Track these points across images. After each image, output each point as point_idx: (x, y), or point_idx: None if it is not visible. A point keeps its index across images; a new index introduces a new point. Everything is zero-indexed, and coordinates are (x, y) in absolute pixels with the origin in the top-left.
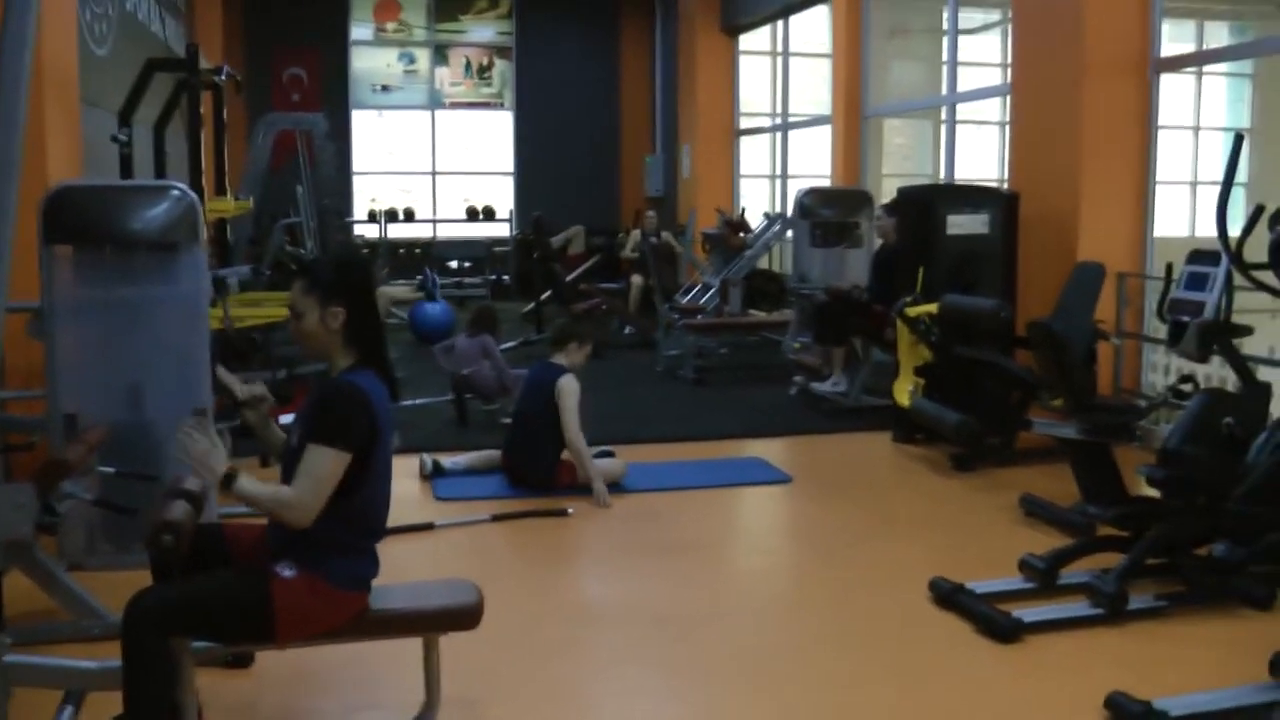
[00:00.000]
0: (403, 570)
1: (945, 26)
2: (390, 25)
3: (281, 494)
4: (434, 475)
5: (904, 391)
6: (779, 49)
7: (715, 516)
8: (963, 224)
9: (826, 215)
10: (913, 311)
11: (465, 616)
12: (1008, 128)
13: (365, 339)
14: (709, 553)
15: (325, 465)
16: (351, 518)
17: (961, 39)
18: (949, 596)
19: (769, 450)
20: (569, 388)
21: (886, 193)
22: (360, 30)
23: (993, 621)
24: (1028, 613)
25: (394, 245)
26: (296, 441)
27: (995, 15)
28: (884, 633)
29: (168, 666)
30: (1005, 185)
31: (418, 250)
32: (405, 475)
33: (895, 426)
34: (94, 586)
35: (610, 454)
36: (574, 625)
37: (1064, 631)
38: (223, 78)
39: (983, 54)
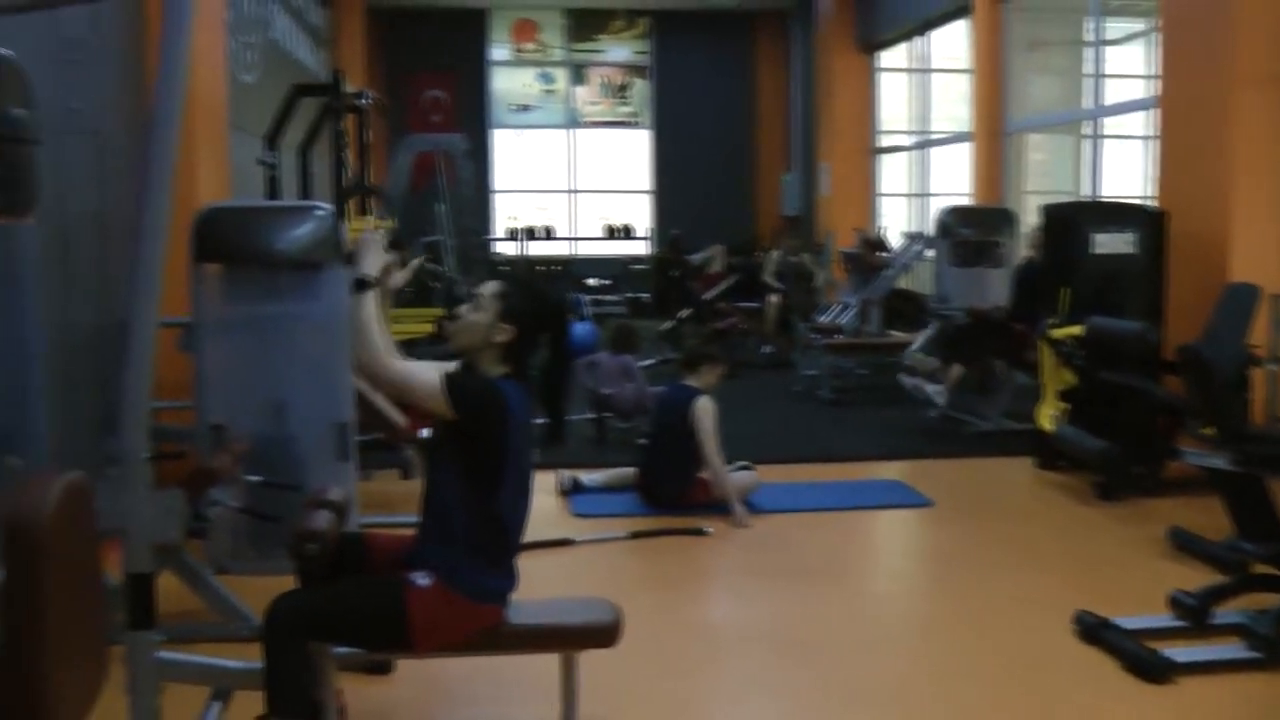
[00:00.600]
0: (540, 585)
1: (1088, 38)
2: (528, 46)
3: (376, 336)
4: (572, 492)
5: (1047, 416)
6: (917, 65)
7: (852, 540)
8: (1108, 243)
9: (967, 234)
10: (1057, 334)
11: (603, 634)
12: (1153, 142)
13: (517, 364)
14: (845, 577)
15: (428, 378)
16: (487, 524)
17: (1104, 50)
18: (1094, 631)
19: (908, 473)
20: (706, 410)
21: (1028, 210)
22: (499, 51)
23: (1141, 660)
24: (1178, 652)
25: (532, 263)
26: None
27: (1139, 25)
28: (1025, 667)
29: (306, 669)
30: (1152, 202)
31: (556, 268)
32: (543, 491)
33: (1037, 452)
34: (239, 590)
35: (749, 467)
36: (707, 646)
37: (1217, 674)
38: (365, 101)
39: (1126, 66)
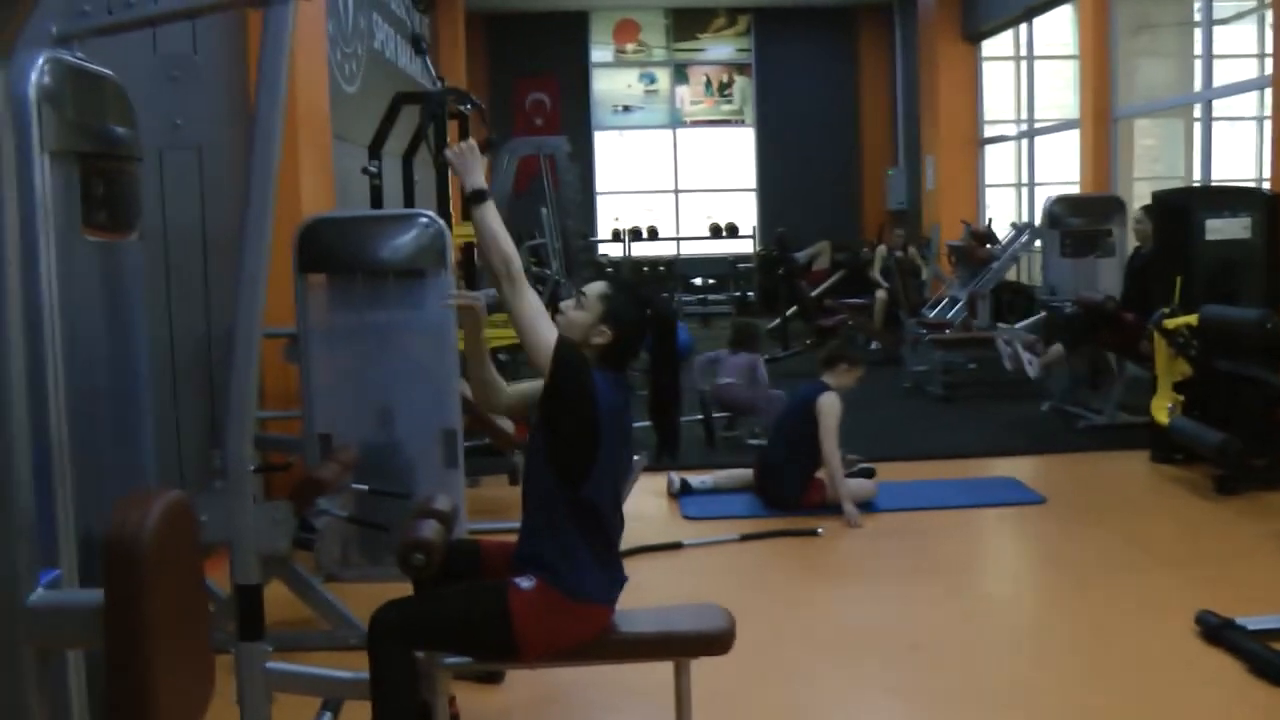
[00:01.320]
0: (651, 589)
1: (1196, 18)
2: (630, 46)
3: (509, 248)
4: (681, 494)
5: (1162, 409)
6: (1022, 53)
7: (966, 538)
8: (1222, 229)
9: (1076, 224)
10: (1171, 324)
11: (716, 642)
12: (1267, 123)
13: (614, 366)
14: (960, 577)
15: (548, 329)
16: (582, 515)
17: (1213, 30)
18: (1217, 632)
19: (1020, 469)
20: (830, 406)
21: (1138, 197)
22: (600, 53)
23: (1267, 662)
24: None
25: (638, 264)
26: (535, 422)
27: (1250, 2)
28: (1147, 669)
29: (411, 678)
30: (1267, 185)
31: (662, 268)
32: (653, 493)
33: (1153, 446)
34: (349, 598)
35: (870, 471)
36: (820, 650)
37: None
38: (468, 108)
39: (1237, 45)
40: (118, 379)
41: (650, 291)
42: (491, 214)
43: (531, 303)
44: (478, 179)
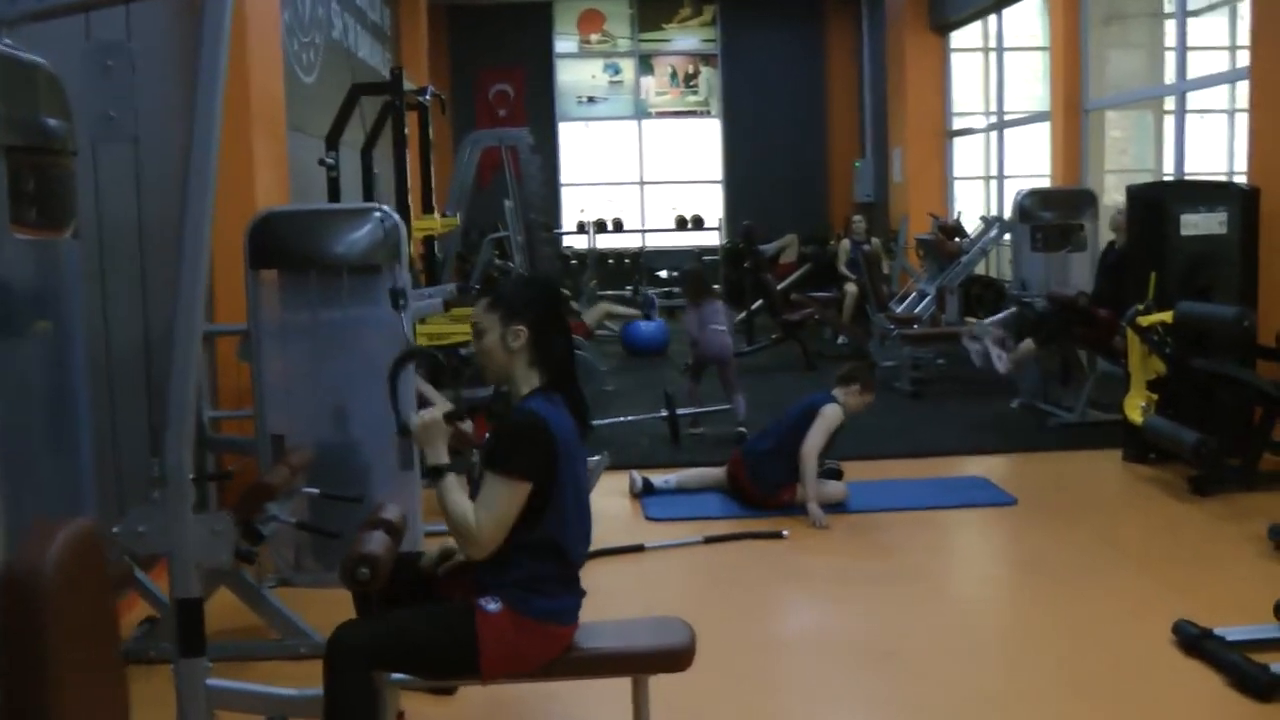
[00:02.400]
0: (611, 594)
1: (1168, 8)
2: (594, 37)
3: (468, 518)
4: (644, 494)
5: (1135, 407)
6: (991, 44)
7: (936, 541)
8: (1198, 224)
9: (1048, 218)
10: (1145, 321)
11: (676, 658)
12: (1239, 117)
13: (551, 361)
14: (930, 581)
15: (502, 496)
16: (542, 551)
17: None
18: (1195, 643)
19: (991, 468)
20: (832, 412)
21: (1109, 190)
22: (564, 44)
23: (1246, 676)
24: None
25: (603, 256)
26: (480, 467)
27: None
28: (1122, 680)
29: (369, 699)
30: (1241, 179)
31: (626, 260)
32: (615, 493)
33: (1126, 445)
34: (302, 603)
35: (838, 471)
36: (788, 657)
37: None
38: (427, 98)
39: (1205, 38)
40: (52, 383)
41: (509, 264)
42: (450, 487)
43: (487, 526)
44: (439, 454)
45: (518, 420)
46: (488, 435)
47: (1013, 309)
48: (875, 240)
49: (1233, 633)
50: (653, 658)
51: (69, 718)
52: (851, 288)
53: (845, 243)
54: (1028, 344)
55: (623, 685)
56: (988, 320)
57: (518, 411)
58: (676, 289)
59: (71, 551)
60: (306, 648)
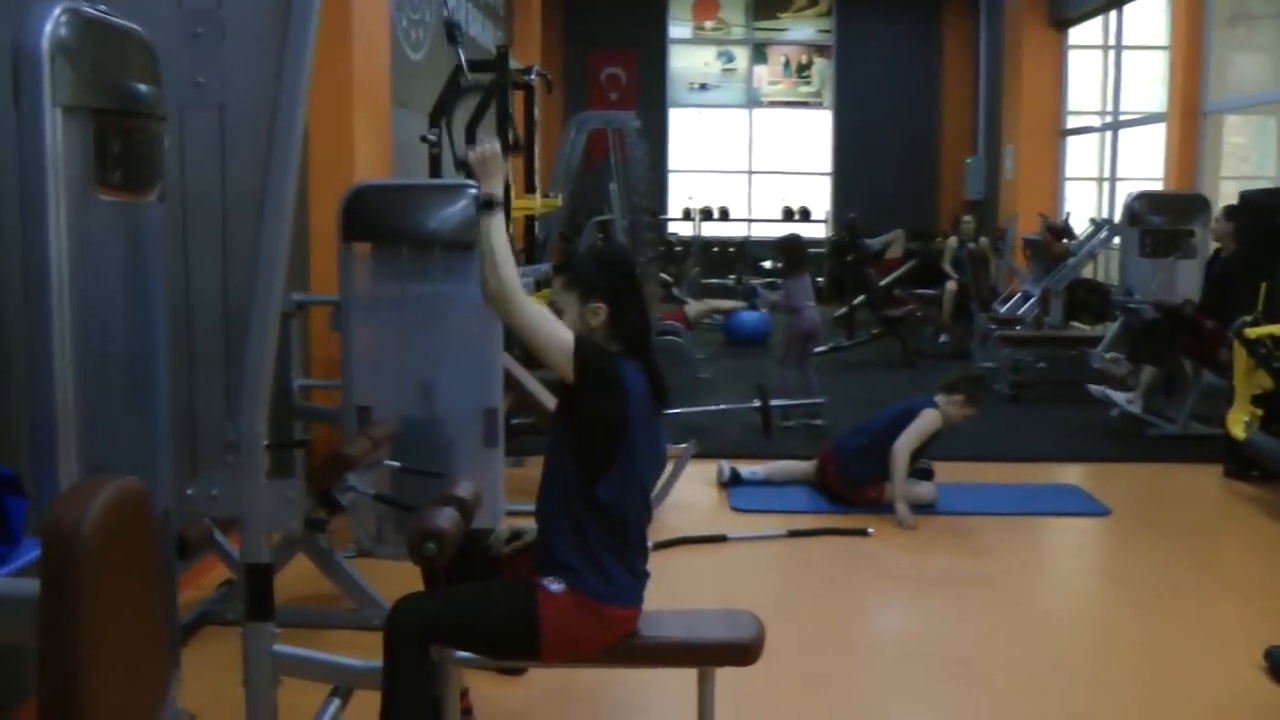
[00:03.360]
0: (690, 583)
1: None
2: (709, 24)
3: (509, 261)
4: (731, 484)
5: (1238, 422)
6: (1110, 42)
7: (1023, 548)
8: None
9: (1157, 222)
10: (1252, 333)
11: (742, 652)
12: None
13: (629, 336)
14: (1013, 589)
15: (558, 329)
16: (602, 514)
17: None
18: None
19: (1085, 477)
20: (930, 417)
21: (1225, 197)
22: (679, 29)
23: None
24: None
25: (707, 243)
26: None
27: None
28: (1207, 706)
29: (426, 675)
30: None
31: (731, 249)
32: (702, 482)
33: (1227, 460)
34: (380, 574)
35: (929, 472)
36: (859, 658)
37: None
38: (532, 77)
39: None
40: (132, 345)
41: (595, 241)
42: (497, 226)
43: (532, 310)
44: (493, 186)
45: (607, 352)
46: None
47: (1121, 321)
48: (983, 240)
49: None
50: (718, 650)
51: (107, 680)
52: (951, 285)
53: (952, 240)
54: (1149, 373)
55: (689, 676)
56: (1100, 346)
57: (609, 353)
58: (780, 280)
59: (114, 510)
60: (380, 619)
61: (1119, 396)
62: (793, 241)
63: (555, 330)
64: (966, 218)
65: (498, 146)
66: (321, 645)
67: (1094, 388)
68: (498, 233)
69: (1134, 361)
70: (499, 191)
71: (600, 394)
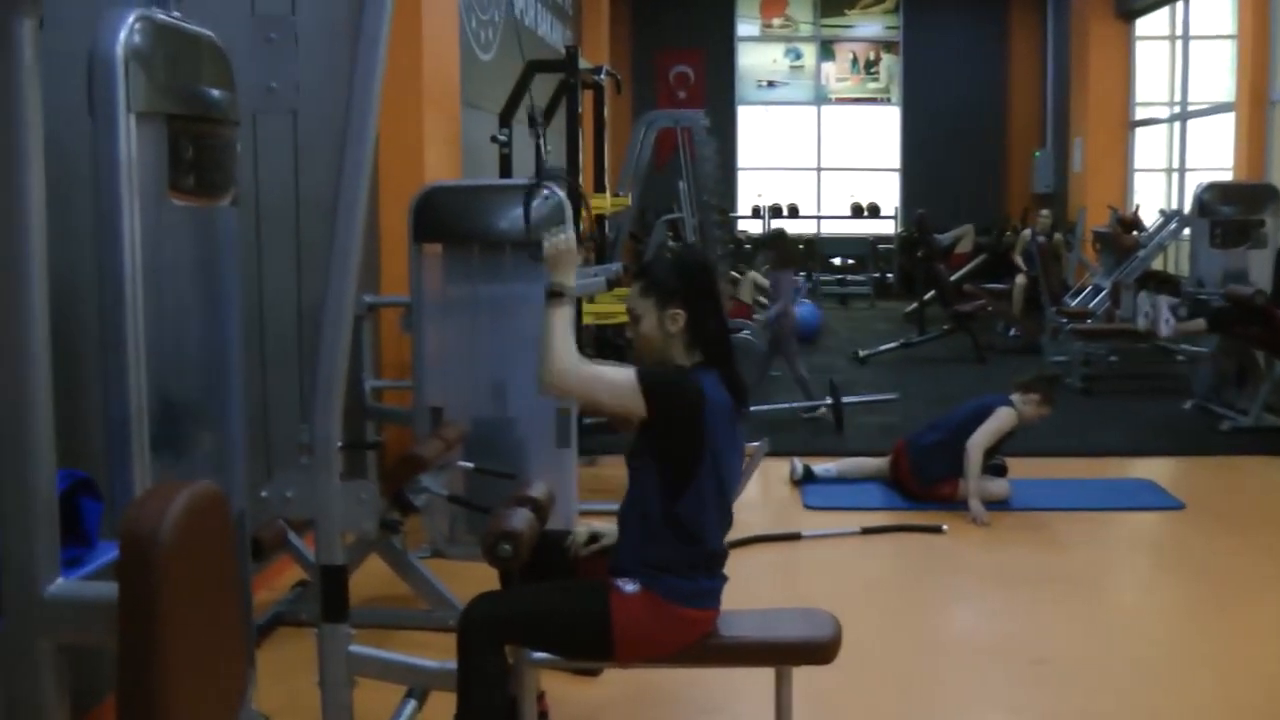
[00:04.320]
0: (763, 583)
1: None
2: (776, 21)
3: (566, 350)
4: (804, 481)
5: None
6: (1178, 32)
7: (1099, 543)
8: None
9: (1227, 213)
10: None
11: (820, 651)
12: None
13: (709, 342)
14: (1090, 585)
15: (617, 379)
16: (684, 530)
17: None
18: None
19: (1159, 471)
20: (1006, 414)
21: None
22: (746, 27)
23: None
24: None
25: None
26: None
27: None
28: None
29: (502, 674)
30: None
31: (801, 246)
32: (776, 480)
33: None
34: (454, 575)
35: (1002, 468)
36: (937, 658)
37: None
38: (602, 77)
39: None
40: (206, 348)
41: (673, 247)
42: (560, 316)
43: (584, 372)
44: (564, 277)
45: (681, 376)
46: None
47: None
48: (1057, 235)
49: None
50: (795, 649)
51: (184, 682)
52: (1021, 279)
53: (1025, 232)
54: (1199, 321)
55: (766, 676)
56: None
57: (683, 372)
58: (850, 276)
59: (192, 513)
60: (454, 620)
61: (1164, 313)
62: (779, 236)
63: (613, 381)
64: (1044, 212)
65: (572, 239)
66: (396, 646)
67: (1143, 298)
68: (561, 324)
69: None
70: (570, 282)
71: (678, 425)
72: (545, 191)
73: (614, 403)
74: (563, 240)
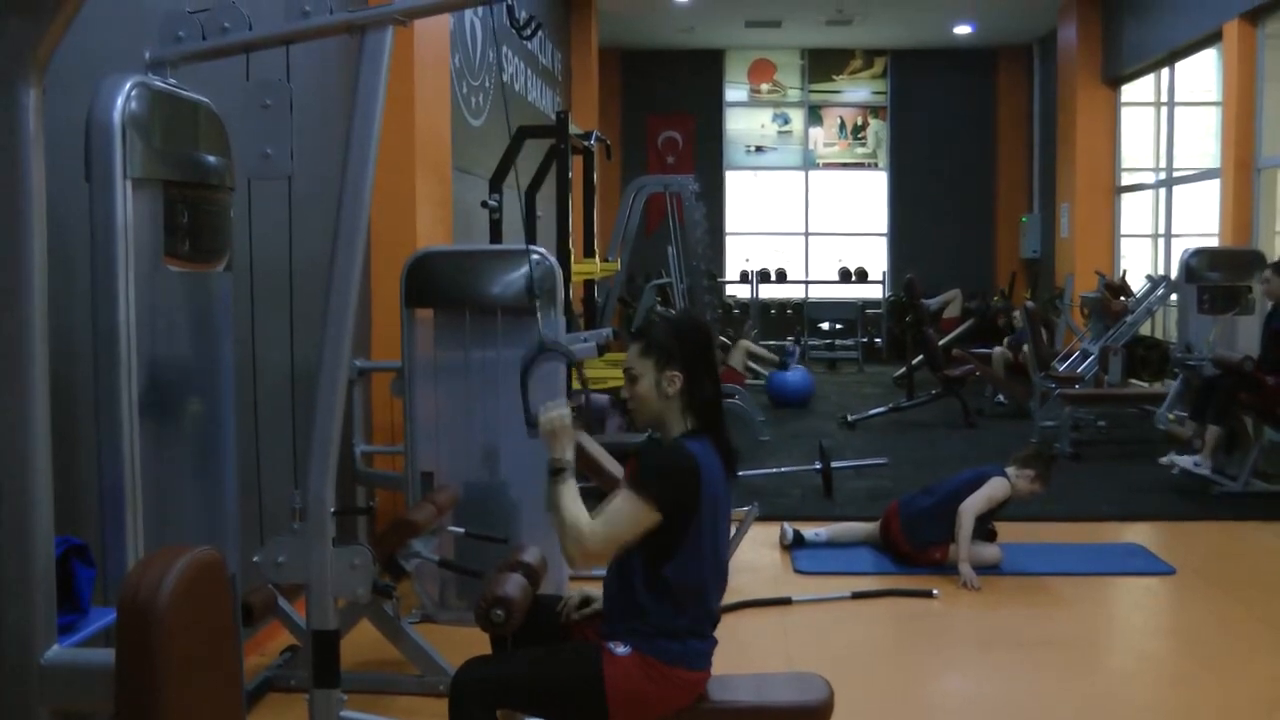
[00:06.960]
0: (755, 647)
1: None
2: (764, 87)
3: (579, 522)
4: (794, 546)
5: None
6: (1164, 98)
7: (1089, 609)
8: None
9: (1214, 278)
10: None
11: (812, 715)
12: None
13: (703, 406)
14: (1080, 650)
15: (628, 515)
16: (673, 595)
17: None
18: None
19: (1149, 536)
20: (998, 485)
21: None
22: (735, 92)
23: None
24: None
25: (765, 305)
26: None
27: None
28: None
29: None
30: None
31: (789, 311)
32: (765, 545)
33: None
34: (444, 640)
35: (992, 532)
36: None
37: None
38: (592, 142)
39: None
40: (200, 413)
41: (672, 310)
42: (566, 492)
43: (600, 535)
44: (562, 452)
45: (671, 452)
46: (634, 456)
47: (1182, 378)
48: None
49: None
50: (788, 713)
51: None
52: (999, 349)
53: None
54: (1213, 432)
55: None
56: (1164, 406)
57: (672, 444)
58: (839, 341)
59: (190, 580)
60: (445, 685)
61: (1185, 460)
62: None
63: (626, 516)
64: (1028, 286)
65: (567, 414)
66: (387, 711)
67: (1163, 459)
68: (569, 501)
69: (1197, 420)
70: (570, 456)
71: (683, 497)
72: (536, 256)
73: (637, 532)
74: (558, 416)
